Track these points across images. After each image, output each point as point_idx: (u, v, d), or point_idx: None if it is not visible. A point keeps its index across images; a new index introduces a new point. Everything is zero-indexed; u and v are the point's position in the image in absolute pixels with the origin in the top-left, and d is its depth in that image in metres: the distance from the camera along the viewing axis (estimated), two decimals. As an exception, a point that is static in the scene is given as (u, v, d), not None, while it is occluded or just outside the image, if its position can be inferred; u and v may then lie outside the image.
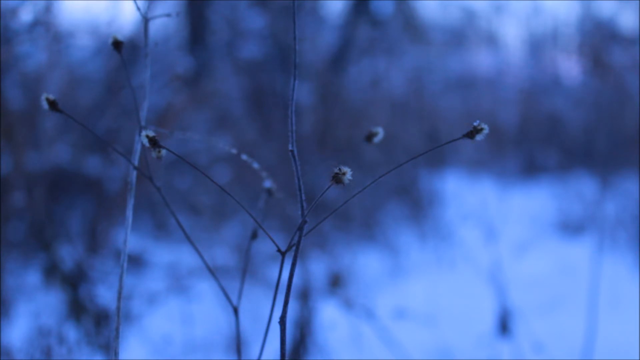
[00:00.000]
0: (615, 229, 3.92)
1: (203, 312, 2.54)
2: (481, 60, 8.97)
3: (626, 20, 6.69)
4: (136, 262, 3.07)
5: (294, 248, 0.67)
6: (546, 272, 3.49)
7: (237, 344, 0.83)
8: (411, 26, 7.12)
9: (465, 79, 8.64)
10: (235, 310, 0.82)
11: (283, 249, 0.69)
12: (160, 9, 3.66)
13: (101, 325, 1.94)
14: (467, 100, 8.22)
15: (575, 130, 7.15)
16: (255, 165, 0.84)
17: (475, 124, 0.63)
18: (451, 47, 8.81)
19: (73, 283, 2.03)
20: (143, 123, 0.79)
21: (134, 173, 0.77)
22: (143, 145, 0.67)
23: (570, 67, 8.00)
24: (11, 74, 2.81)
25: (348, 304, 2.30)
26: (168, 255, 3.22)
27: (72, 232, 3.15)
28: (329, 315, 2.50)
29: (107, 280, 2.49)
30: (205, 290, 2.65)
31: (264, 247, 2.99)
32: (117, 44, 0.79)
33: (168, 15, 0.84)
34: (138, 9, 0.79)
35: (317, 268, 2.85)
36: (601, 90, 5.83)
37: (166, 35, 4.31)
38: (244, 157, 0.84)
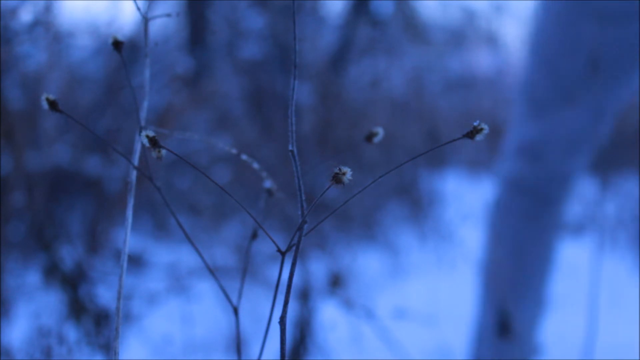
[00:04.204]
0: (615, 229, 3.92)
1: (203, 312, 2.54)
2: (481, 60, 8.97)
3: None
4: (136, 262, 3.07)
5: (294, 248, 0.67)
6: (546, 272, 3.48)
7: (237, 344, 0.83)
8: (411, 26, 7.12)
9: (465, 79, 8.64)
10: (235, 310, 0.82)
11: (283, 249, 0.69)
12: (160, 9, 3.67)
13: (101, 325, 1.94)
14: (467, 100, 8.22)
15: (575, 130, 7.13)
16: (255, 165, 0.84)
17: (475, 124, 0.62)
18: (451, 47, 8.80)
19: (73, 283, 2.03)
20: (143, 123, 0.79)
21: (134, 173, 0.77)
22: (143, 145, 0.67)
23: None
24: (11, 74, 2.81)
25: (348, 304, 2.30)
26: (168, 255, 3.22)
27: (72, 232, 3.15)
28: (329, 315, 2.50)
29: (107, 280, 2.49)
30: (205, 290, 2.65)
31: (264, 247, 2.99)
32: (117, 44, 0.79)
33: (168, 15, 0.84)
34: (138, 9, 0.79)
35: (317, 268, 2.85)
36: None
37: (166, 35, 4.31)
38: (244, 157, 0.84)
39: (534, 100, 1.78)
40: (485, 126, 0.62)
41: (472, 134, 0.62)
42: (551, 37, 1.73)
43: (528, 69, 1.82)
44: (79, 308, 1.95)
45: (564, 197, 1.83)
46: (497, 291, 1.86)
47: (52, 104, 0.73)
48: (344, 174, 0.61)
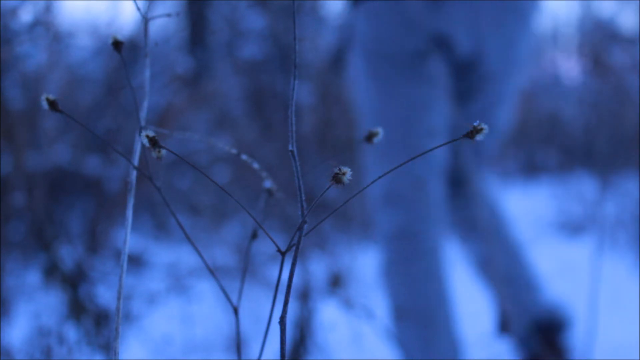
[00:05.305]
0: (615, 229, 3.91)
1: (203, 312, 2.54)
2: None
3: (626, 20, 6.69)
4: (136, 262, 3.07)
5: (294, 248, 0.67)
6: (546, 272, 3.49)
7: (237, 344, 0.83)
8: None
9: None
10: (235, 310, 0.82)
11: (283, 249, 0.69)
12: (160, 9, 3.67)
13: (101, 325, 1.94)
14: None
15: (575, 130, 7.14)
16: (255, 165, 0.84)
17: (475, 124, 0.62)
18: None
19: (73, 283, 2.03)
20: (143, 123, 0.79)
21: (134, 173, 0.77)
22: (143, 145, 0.67)
23: (570, 67, 8.00)
24: (11, 74, 2.81)
25: (348, 304, 2.30)
26: (168, 255, 3.22)
27: (72, 232, 3.15)
28: (329, 315, 2.50)
29: (107, 280, 2.49)
30: (205, 290, 2.65)
31: (264, 247, 2.99)
32: (117, 44, 0.79)
33: (168, 15, 0.84)
34: (138, 9, 0.79)
35: (317, 268, 2.85)
36: (601, 90, 5.83)
37: (166, 35, 4.31)
38: (244, 157, 0.84)
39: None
40: (485, 126, 0.62)
41: (472, 133, 0.62)
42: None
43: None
44: (79, 308, 1.95)
45: (439, 235, 1.86)
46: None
47: (52, 104, 0.73)
48: (344, 174, 0.61)
